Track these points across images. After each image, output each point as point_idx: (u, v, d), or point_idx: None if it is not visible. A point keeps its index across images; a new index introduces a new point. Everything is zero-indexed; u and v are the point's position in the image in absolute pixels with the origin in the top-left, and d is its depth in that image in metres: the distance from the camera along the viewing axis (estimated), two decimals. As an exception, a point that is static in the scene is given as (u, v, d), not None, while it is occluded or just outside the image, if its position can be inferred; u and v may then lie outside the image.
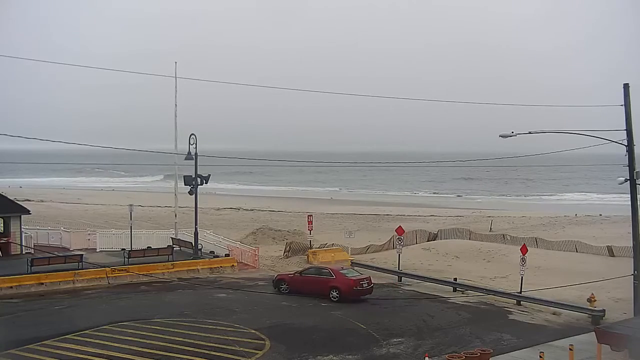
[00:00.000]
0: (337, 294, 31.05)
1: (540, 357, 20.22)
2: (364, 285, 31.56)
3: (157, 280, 35.01)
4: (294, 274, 33.91)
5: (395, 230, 40.21)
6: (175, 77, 42.11)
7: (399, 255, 38.31)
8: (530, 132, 26.34)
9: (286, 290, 32.77)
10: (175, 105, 42.58)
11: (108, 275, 34.75)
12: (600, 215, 70.29)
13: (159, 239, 43.34)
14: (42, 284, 32.79)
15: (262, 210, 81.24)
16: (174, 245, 41.33)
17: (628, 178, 25.54)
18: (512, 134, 26.00)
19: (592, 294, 29.70)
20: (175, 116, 42.56)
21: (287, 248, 45.62)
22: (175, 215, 44.30)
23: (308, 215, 46.27)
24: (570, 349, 21.11)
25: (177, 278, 35.83)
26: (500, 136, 26.46)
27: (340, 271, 32.33)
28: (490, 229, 59.23)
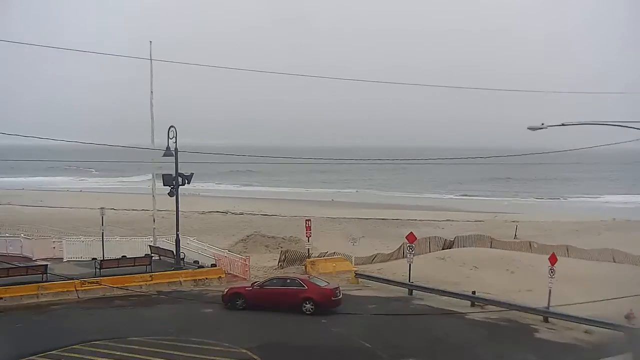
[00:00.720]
0: (311, 306, 31.53)
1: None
2: (338, 295, 32.46)
3: (133, 293, 35.19)
4: (252, 286, 33.78)
5: (406, 237, 40.46)
6: (151, 60, 41.69)
7: (410, 265, 38.57)
8: (563, 124, 26.12)
9: (243, 306, 32.60)
10: (151, 92, 42.16)
11: (77, 289, 34.95)
12: (642, 219, 70.53)
13: (135, 247, 43.41)
14: (1, 298, 32.94)
15: (254, 214, 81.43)
16: (152, 254, 41.52)
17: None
18: (542, 126, 25.89)
19: (631, 309, 29.88)
20: (151, 105, 42.23)
21: (282, 257, 45.86)
22: (154, 220, 44.28)
23: (306, 220, 46.33)
24: (603, 371, 21.36)
25: (157, 291, 36.13)
26: (528, 129, 26.39)
27: (310, 280, 33.01)
28: (515, 235, 59.51)
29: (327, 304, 31.89)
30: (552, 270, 32.03)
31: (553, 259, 32.51)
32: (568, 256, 44.58)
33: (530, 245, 48.87)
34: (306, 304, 31.68)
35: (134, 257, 39.84)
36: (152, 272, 38.25)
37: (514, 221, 71.80)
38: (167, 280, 38.39)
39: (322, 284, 33.02)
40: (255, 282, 35.06)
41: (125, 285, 35.52)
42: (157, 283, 37.71)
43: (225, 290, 33.96)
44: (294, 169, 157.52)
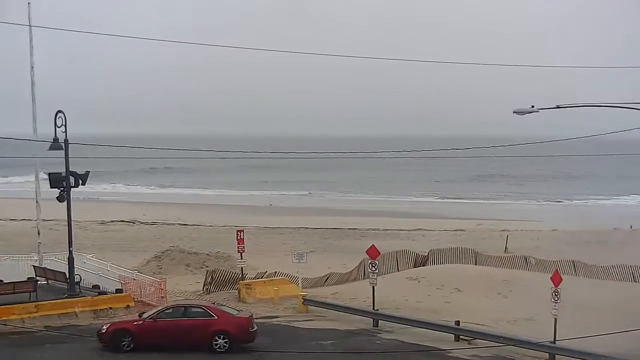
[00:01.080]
0: (225, 341, 31.16)
1: None
2: (254, 326, 32.45)
3: (12, 330, 34.42)
4: (141, 319, 32.53)
5: (367, 252, 40.21)
6: (30, 25, 41.23)
7: (374, 288, 38.35)
8: (558, 107, 26.51)
9: (130, 346, 31.38)
10: (32, 66, 41.75)
11: None
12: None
13: (15, 269, 42.81)
14: None
15: (170, 224, 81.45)
16: (37, 278, 40.76)
17: None
18: (531, 109, 26.17)
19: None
20: (32, 83, 41.82)
21: (208, 279, 45.52)
22: (39, 233, 43.64)
23: (238, 231, 45.94)
24: None
25: (45, 326, 35.41)
26: (514, 113, 26.70)
27: (219, 308, 33.04)
28: (506, 248, 59.95)
29: (243, 337, 31.72)
30: (556, 293, 31.94)
31: (557, 278, 32.42)
32: (575, 274, 45.02)
33: (526, 260, 49.26)
34: (218, 338, 31.17)
35: (13, 282, 38.93)
36: (37, 302, 37.43)
37: (503, 230, 72.55)
38: (58, 312, 37.66)
39: (234, 313, 33.00)
40: (144, 312, 34.23)
41: (2, 319, 34.72)
42: (44, 315, 36.94)
43: (105, 327, 32.37)
44: (224, 165, 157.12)
